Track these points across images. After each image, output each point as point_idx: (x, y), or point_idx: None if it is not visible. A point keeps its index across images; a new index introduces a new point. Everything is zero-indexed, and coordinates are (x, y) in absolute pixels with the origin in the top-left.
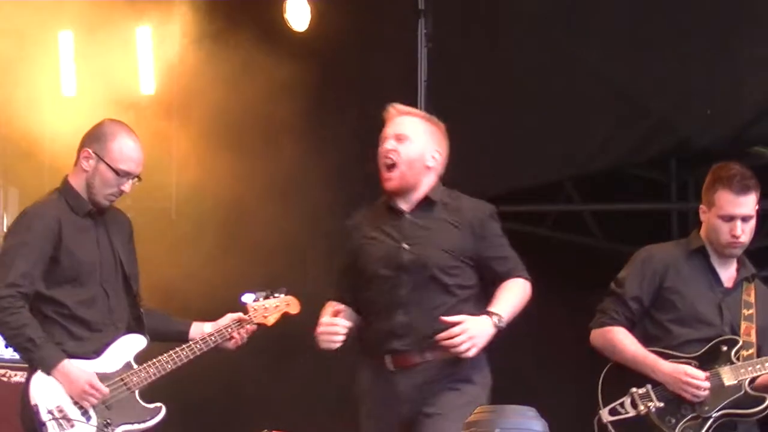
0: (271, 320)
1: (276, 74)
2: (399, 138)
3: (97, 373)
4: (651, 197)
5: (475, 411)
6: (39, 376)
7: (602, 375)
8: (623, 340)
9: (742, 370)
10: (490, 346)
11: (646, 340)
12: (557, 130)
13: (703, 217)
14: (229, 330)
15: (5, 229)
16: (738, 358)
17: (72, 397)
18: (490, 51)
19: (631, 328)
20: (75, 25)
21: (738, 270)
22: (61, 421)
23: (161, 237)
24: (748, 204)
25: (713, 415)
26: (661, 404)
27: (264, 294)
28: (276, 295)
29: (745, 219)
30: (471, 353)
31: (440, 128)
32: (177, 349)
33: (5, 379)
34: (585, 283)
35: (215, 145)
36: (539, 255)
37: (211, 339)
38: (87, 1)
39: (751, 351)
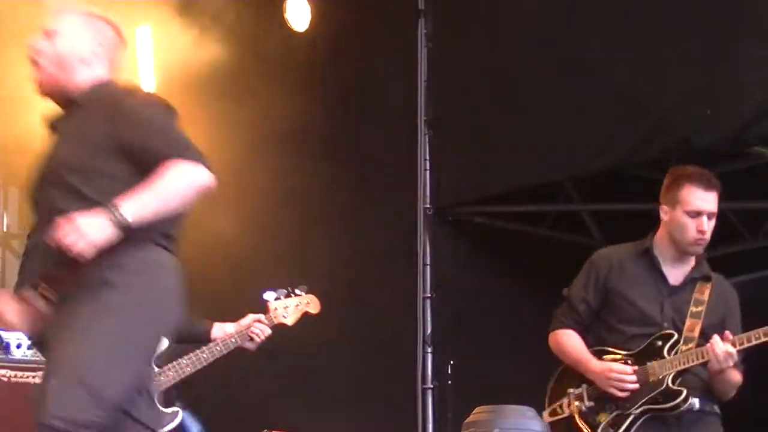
0: (290, 320)
1: (276, 74)
2: (47, 34)
3: None
4: (651, 197)
5: (475, 411)
6: None
7: (554, 377)
8: (567, 342)
9: (668, 365)
10: (485, 344)
11: (599, 343)
12: (557, 130)
13: (665, 217)
14: (251, 330)
15: (5, 229)
16: (675, 353)
17: None
18: (490, 51)
19: (584, 331)
20: None
21: (692, 269)
22: None
23: None
24: (713, 201)
25: (633, 412)
26: (591, 403)
27: (285, 292)
28: (297, 293)
29: (710, 216)
30: (83, 253)
31: (107, 22)
32: (197, 351)
33: (5, 379)
34: None
35: (215, 144)
36: (539, 255)
37: (231, 341)
38: (87, 1)
39: (690, 345)
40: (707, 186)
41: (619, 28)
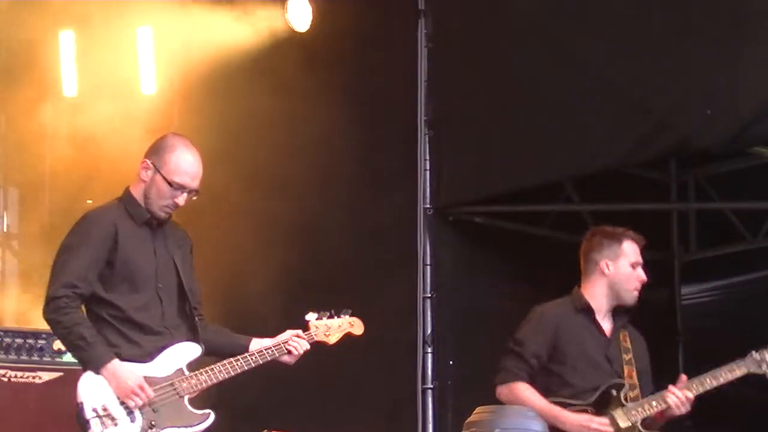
0: (333, 339)
1: (277, 74)
2: None
3: (147, 377)
4: (651, 197)
5: (475, 411)
6: (88, 375)
7: None
8: (527, 395)
9: (633, 412)
10: (485, 344)
11: (545, 392)
12: (557, 131)
13: (608, 272)
14: (287, 345)
15: (5, 229)
16: (627, 400)
17: (118, 397)
18: (490, 51)
19: (532, 381)
20: (76, 24)
21: (616, 319)
22: (104, 419)
23: None
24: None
25: None
26: None
27: (327, 314)
28: (341, 315)
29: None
30: None
31: None
32: (232, 359)
33: (5, 379)
34: None
35: (216, 145)
36: (539, 255)
37: (268, 352)
38: (88, 1)
39: (636, 392)
40: (640, 240)
41: (619, 28)
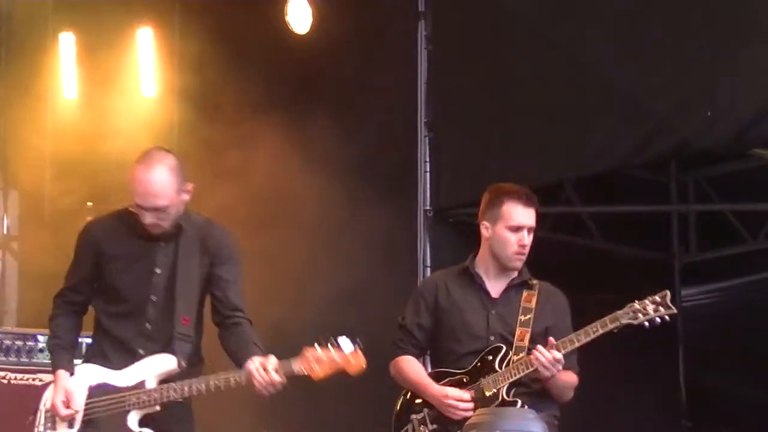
0: (319, 373)
1: (277, 76)
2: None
3: (106, 383)
4: (651, 198)
5: (475, 413)
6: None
7: (397, 406)
8: (406, 367)
9: (500, 378)
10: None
11: (437, 365)
12: (557, 132)
13: (486, 233)
14: (252, 378)
15: (5, 231)
16: (507, 365)
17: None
18: (490, 53)
19: (422, 354)
20: (76, 26)
21: (511, 279)
22: (48, 421)
23: None
24: (533, 216)
25: None
26: (434, 426)
27: (329, 341)
28: (340, 345)
29: (530, 230)
30: None
31: None
32: (212, 376)
33: (5, 381)
34: (584, 284)
35: (216, 146)
36: (539, 256)
37: (239, 377)
38: (88, 2)
39: (521, 355)
40: (527, 202)
41: (619, 29)
